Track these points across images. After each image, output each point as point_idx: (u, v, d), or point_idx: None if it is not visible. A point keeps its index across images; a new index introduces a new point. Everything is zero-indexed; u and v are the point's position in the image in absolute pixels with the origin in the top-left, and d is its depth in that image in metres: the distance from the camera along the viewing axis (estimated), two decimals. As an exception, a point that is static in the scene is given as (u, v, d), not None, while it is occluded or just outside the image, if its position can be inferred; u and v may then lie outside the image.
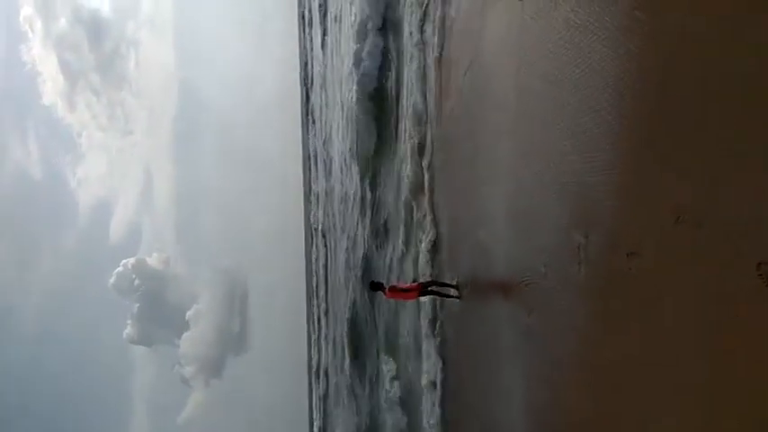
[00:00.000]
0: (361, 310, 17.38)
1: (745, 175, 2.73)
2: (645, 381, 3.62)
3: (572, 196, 4.84)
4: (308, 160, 36.28)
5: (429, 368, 11.28)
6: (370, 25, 15.88)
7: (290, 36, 43.95)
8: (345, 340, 18.95)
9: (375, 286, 10.54)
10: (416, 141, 11.93)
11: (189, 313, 64.96)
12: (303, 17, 37.40)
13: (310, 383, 38.11)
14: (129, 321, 67.58)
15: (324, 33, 25.67)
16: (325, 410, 29.54)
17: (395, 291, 10.16)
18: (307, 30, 35.19)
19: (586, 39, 4.55)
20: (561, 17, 4.97)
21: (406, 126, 12.84)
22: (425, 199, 11.65)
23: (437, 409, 10.74)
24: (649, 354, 3.49)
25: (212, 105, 61.66)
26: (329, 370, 26.78)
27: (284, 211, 47.33)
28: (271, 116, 52.54)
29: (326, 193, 25.05)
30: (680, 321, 3.16)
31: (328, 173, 25.00)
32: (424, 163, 11.78)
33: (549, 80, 5.28)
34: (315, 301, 33.68)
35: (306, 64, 36.20)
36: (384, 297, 10.52)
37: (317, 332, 32.52)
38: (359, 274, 17.34)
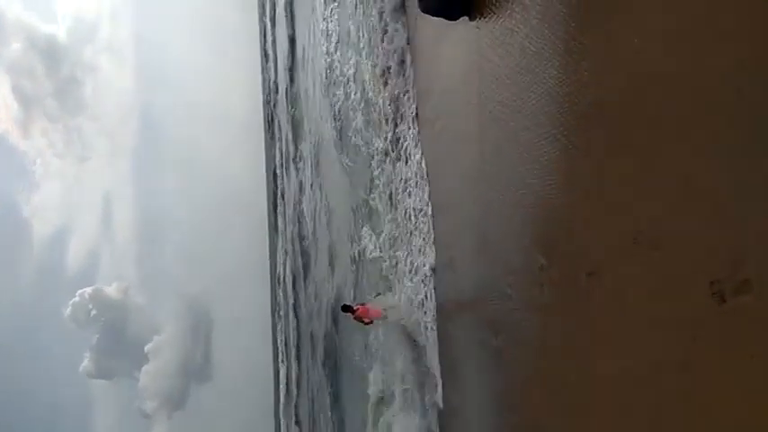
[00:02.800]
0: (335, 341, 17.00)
1: (698, 198, 2.83)
2: (609, 400, 3.67)
3: (533, 219, 4.93)
4: (273, 190, 36.09)
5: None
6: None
7: (254, 62, 44.00)
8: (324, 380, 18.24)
9: (346, 308, 10.56)
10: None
11: (149, 345, 62.80)
12: (266, 53, 37.55)
13: (277, 412, 37.29)
14: (86, 354, 64.93)
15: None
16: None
17: (363, 310, 10.20)
18: (269, 59, 35.41)
19: (541, 65, 4.70)
20: (517, 44, 5.12)
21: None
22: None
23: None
24: (613, 373, 3.54)
25: (174, 131, 60.72)
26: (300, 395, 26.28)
27: (248, 240, 46.67)
28: (234, 142, 52.08)
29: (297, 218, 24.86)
30: (640, 341, 3.23)
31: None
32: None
33: (509, 106, 5.40)
34: (280, 325, 33.21)
35: (268, 94, 36.25)
36: (353, 318, 10.55)
37: (285, 360, 32.00)
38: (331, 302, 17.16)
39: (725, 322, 2.62)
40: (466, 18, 6.38)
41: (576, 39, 4.28)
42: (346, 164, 13.57)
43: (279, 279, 33.36)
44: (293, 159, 24.65)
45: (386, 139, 10.06)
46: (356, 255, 12.51)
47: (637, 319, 3.27)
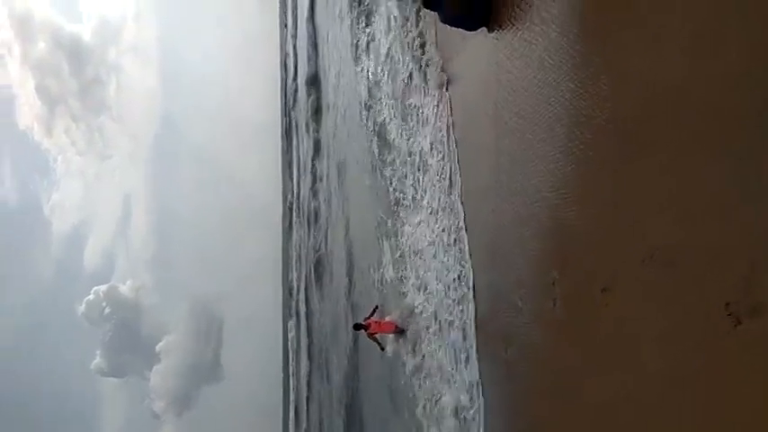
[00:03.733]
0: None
1: (715, 217, 2.80)
2: (621, 417, 3.61)
3: (547, 232, 4.89)
4: (288, 194, 36.26)
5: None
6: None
7: (274, 68, 44.42)
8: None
9: (358, 327, 10.46)
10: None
11: (160, 345, 63.26)
12: (286, 64, 37.78)
13: (286, 411, 37.31)
14: (98, 352, 65.61)
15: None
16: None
17: (374, 325, 10.14)
18: (288, 68, 35.62)
19: (559, 78, 4.68)
20: (536, 56, 5.11)
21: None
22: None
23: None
24: (625, 391, 3.49)
25: (193, 134, 61.40)
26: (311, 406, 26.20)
27: (262, 244, 46.92)
28: (251, 147, 52.52)
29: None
30: (654, 359, 3.18)
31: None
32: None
33: (525, 118, 5.39)
34: (293, 331, 33.25)
35: (287, 100, 36.47)
36: (367, 337, 10.43)
37: (295, 359, 32.03)
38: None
39: (740, 344, 2.58)
40: (485, 29, 6.39)
41: (594, 52, 4.26)
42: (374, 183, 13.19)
43: (291, 285, 33.44)
44: (312, 172, 24.55)
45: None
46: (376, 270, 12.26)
47: (651, 338, 3.22)
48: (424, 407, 8.71)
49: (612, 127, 3.95)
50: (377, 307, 10.72)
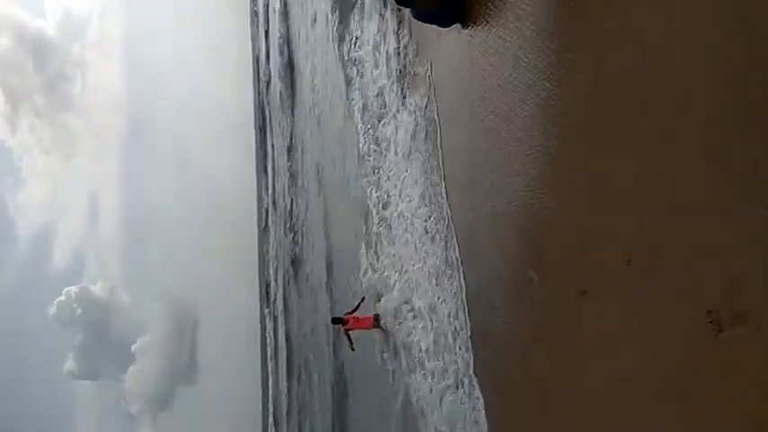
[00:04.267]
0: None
1: (695, 220, 2.75)
2: (597, 424, 3.58)
3: (524, 232, 4.84)
4: (263, 191, 35.86)
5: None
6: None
7: (245, 61, 43.74)
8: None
9: (336, 321, 10.31)
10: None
11: (135, 346, 62.19)
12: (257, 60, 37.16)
13: (265, 412, 37.03)
14: (70, 355, 64.18)
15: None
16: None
17: (353, 320, 9.98)
18: (260, 60, 35.09)
19: (535, 77, 4.61)
20: (510, 54, 5.03)
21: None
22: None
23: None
24: (603, 398, 3.45)
25: (162, 129, 60.21)
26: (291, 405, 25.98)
27: (237, 240, 46.32)
28: (223, 141, 51.74)
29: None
30: (633, 366, 3.14)
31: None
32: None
33: (501, 116, 5.32)
34: (270, 327, 32.93)
35: (260, 94, 35.93)
36: (342, 330, 10.30)
37: (274, 358, 31.75)
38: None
39: (722, 351, 2.54)
40: (459, 26, 6.29)
41: (569, 51, 4.20)
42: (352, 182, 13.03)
43: (269, 282, 33.10)
44: (288, 170, 24.11)
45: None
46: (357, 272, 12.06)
47: (631, 343, 3.18)
48: (407, 401, 8.65)
49: (588, 127, 3.90)
50: (362, 300, 10.39)
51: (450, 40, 6.74)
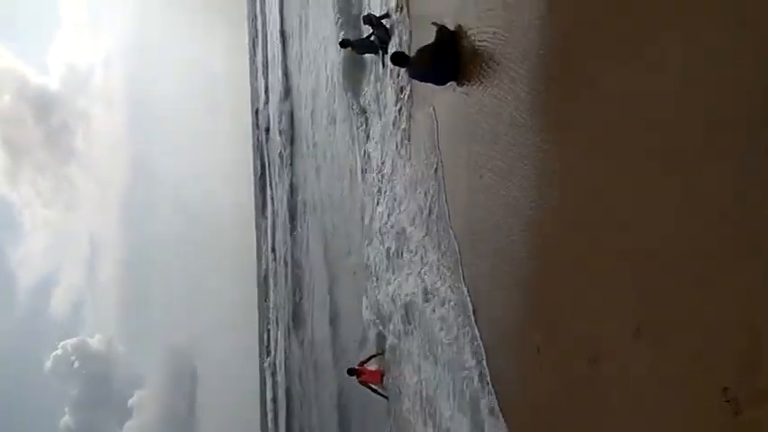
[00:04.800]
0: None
1: (707, 293, 2.67)
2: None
3: (528, 294, 4.74)
4: (263, 239, 35.71)
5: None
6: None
7: (245, 109, 44.42)
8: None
9: (352, 372, 10.05)
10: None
11: (132, 400, 60.75)
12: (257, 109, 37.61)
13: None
14: (66, 409, 62.58)
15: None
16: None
17: (365, 373, 9.74)
18: (259, 112, 35.51)
19: (531, 136, 4.62)
20: (507, 114, 5.06)
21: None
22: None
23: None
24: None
25: (163, 177, 60.60)
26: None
27: (237, 288, 45.90)
28: (223, 189, 52.02)
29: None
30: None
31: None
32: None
33: (498, 174, 5.31)
34: (270, 381, 32.18)
35: (259, 142, 36.25)
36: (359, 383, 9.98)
37: (273, 412, 30.91)
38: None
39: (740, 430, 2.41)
40: (454, 83, 6.38)
41: (563, 111, 4.22)
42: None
43: (269, 333, 32.56)
44: (290, 219, 23.88)
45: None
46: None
47: (642, 419, 3.04)
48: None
49: (587, 190, 3.87)
50: (376, 354, 10.01)
51: (446, 97, 6.81)
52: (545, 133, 4.42)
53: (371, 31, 9.72)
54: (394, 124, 9.31)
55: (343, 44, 11.07)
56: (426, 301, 7.56)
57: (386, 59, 9.52)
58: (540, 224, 4.54)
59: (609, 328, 3.43)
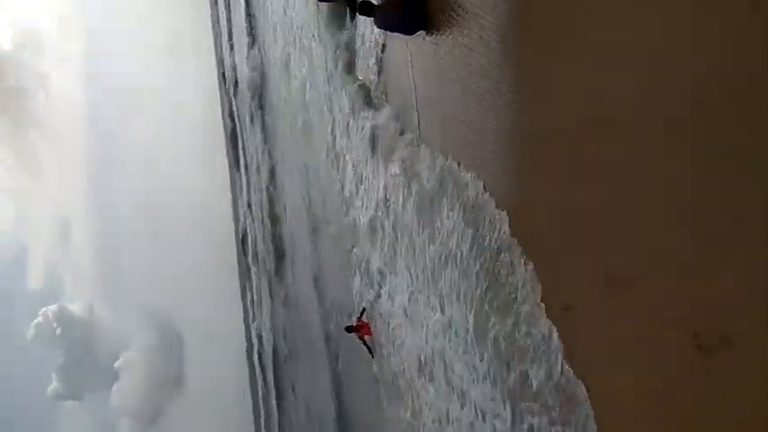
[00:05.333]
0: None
1: (675, 233, 2.70)
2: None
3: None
4: (236, 192, 35.29)
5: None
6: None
7: (211, 68, 42.96)
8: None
9: (350, 329, 10.01)
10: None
11: (118, 362, 61.14)
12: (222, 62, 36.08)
13: (257, 425, 36.78)
14: (53, 375, 62.80)
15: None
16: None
17: (362, 327, 9.75)
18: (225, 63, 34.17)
19: (502, 87, 4.54)
20: (477, 65, 4.95)
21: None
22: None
23: None
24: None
25: (130, 142, 58.87)
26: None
27: (214, 249, 45.68)
28: (193, 150, 50.86)
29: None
30: (621, 392, 3.10)
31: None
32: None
33: (471, 127, 5.25)
34: (256, 342, 32.59)
35: (229, 98, 35.14)
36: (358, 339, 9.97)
37: (261, 367, 31.46)
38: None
39: (711, 375, 2.50)
40: (423, 33, 6.19)
41: (537, 64, 4.13)
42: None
43: (251, 292, 32.63)
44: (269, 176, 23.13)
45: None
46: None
47: (618, 364, 3.14)
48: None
49: (558, 141, 3.84)
50: (364, 309, 9.95)
51: (417, 47, 6.62)
52: (516, 85, 4.35)
53: None
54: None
55: None
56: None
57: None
58: (512, 177, 4.53)
59: (582, 276, 3.49)
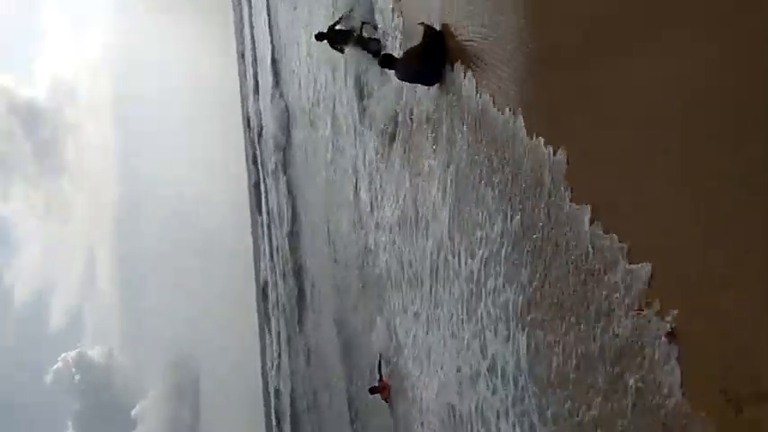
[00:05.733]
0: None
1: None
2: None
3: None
4: (259, 241, 35.55)
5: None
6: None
7: (237, 116, 44.12)
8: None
9: (374, 390, 9.65)
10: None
11: (135, 410, 60.60)
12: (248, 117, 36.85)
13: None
14: (69, 423, 62.36)
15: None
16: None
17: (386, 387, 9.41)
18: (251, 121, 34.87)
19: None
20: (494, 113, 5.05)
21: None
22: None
23: None
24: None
25: (156, 187, 60.32)
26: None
27: (235, 296, 45.79)
28: (218, 195, 51.80)
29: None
30: None
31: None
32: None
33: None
34: (271, 384, 32.14)
35: (253, 146, 35.90)
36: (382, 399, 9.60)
37: (277, 419, 30.90)
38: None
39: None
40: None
41: (554, 110, 4.20)
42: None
43: (271, 336, 32.40)
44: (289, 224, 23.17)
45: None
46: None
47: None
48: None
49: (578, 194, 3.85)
50: (380, 360, 9.65)
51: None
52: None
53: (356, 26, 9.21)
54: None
55: (319, 37, 9.42)
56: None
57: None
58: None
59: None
